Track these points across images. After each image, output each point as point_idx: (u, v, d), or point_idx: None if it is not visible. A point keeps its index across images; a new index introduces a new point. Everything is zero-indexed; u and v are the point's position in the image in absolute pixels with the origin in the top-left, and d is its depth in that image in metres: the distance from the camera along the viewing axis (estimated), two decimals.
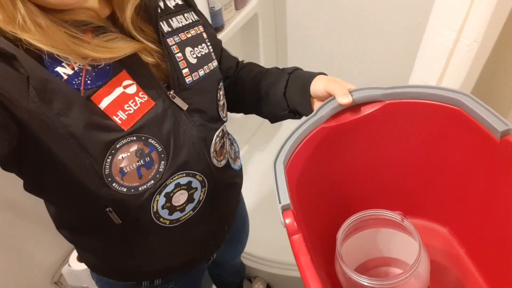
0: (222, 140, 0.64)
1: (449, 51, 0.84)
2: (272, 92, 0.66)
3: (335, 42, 1.58)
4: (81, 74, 0.44)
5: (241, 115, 1.55)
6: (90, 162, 0.46)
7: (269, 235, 1.47)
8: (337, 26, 1.53)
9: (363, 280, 0.47)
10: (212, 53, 0.61)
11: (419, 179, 0.60)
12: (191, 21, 0.59)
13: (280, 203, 0.43)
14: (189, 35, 0.57)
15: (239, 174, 0.74)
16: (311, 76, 0.62)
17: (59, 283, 1.01)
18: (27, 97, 0.40)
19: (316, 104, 0.61)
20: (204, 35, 0.60)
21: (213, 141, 0.60)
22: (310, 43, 1.67)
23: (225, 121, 0.64)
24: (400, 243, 0.54)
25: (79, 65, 0.44)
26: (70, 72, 0.43)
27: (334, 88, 0.54)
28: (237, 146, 0.77)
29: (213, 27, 1.08)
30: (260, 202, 1.66)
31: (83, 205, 0.53)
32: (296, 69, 0.66)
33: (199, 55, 0.58)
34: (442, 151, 0.55)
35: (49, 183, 0.50)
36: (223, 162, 0.64)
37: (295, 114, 0.66)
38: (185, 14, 0.58)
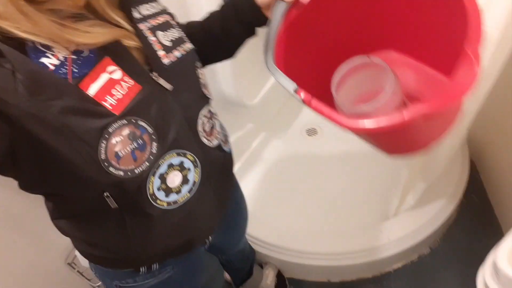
0: (211, 121, 0.66)
1: None
2: (224, 22, 0.70)
3: None
4: (66, 63, 0.44)
5: (258, 100, 1.56)
6: (85, 148, 0.46)
7: (281, 222, 1.48)
8: None
9: (361, 107, 0.60)
10: (184, 37, 0.63)
11: (371, 23, 0.70)
12: (157, 10, 0.61)
13: (291, 90, 0.55)
14: (158, 21, 0.59)
15: (230, 156, 0.76)
16: None
17: (73, 263, 1.06)
18: (15, 92, 0.40)
19: (265, 11, 0.66)
20: (172, 22, 0.62)
21: (199, 120, 0.62)
22: None
23: (211, 99, 0.66)
24: (380, 77, 0.66)
25: (64, 54, 0.45)
26: (56, 62, 0.44)
27: None
28: (226, 130, 0.79)
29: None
30: (275, 189, 1.66)
31: (81, 193, 0.54)
32: None
33: (172, 38, 0.59)
34: None
35: (47, 177, 0.51)
36: (215, 142, 0.66)
37: (250, 31, 0.71)
38: (151, 3, 0.60)
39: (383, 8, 0.68)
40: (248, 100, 1.49)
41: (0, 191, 0.87)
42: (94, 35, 0.46)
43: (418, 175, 1.29)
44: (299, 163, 1.76)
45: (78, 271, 1.09)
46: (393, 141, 0.60)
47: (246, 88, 1.47)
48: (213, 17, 0.73)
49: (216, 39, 0.72)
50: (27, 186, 0.52)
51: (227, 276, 1.28)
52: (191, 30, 0.73)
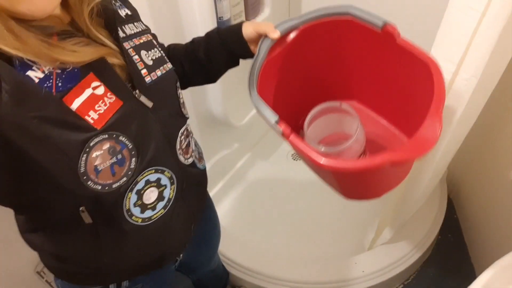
0: (188, 139, 0.68)
1: (447, 83, 0.83)
2: (209, 49, 0.73)
3: None
4: (51, 77, 0.45)
5: (245, 122, 1.58)
6: (65, 161, 0.47)
7: (257, 245, 1.48)
8: None
9: (321, 148, 0.65)
10: (165, 57, 0.65)
11: (341, 74, 0.77)
12: (141, 29, 0.62)
13: (272, 121, 0.57)
14: (141, 41, 0.61)
15: (204, 174, 0.77)
16: (238, 25, 0.72)
17: (42, 272, 1.03)
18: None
19: (249, 45, 0.71)
20: (154, 42, 0.64)
21: (178, 138, 0.64)
22: None
23: (188, 118, 0.69)
24: (347, 122, 0.72)
25: (49, 68, 0.45)
26: (41, 75, 0.44)
27: (263, 28, 0.66)
28: (200, 148, 0.81)
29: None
30: (255, 211, 1.66)
31: (56, 206, 0.54)
32: (218, 28, 0.75)
33: (154, 57, 0.61)
34: (351, 51, 0.71)
35: (23, 187, 0.50)
36: (190, 160, 0.68)
37: (233, 61, 0.76)
38: (135, 23, 0.62)
39: (350, 62, 0.74)
40: (236, 121, 1.50)
41: None
42: (80, 54, 0.47)
43: (395, 211, 1.31)
44: (282, 187, 1.76)
45: (46, 281, 1.07)
46: (356, 184, 0.63)
47: (234, 109, 1.49)
48: (198, 43, 0.75)
49: (199, 64, 0.75)
50: (1, 197, 0.51)
51: None
52: (174, 52, 0.75)
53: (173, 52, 0.76)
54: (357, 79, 0.76)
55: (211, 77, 0.80)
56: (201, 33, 1.09)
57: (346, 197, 0.67)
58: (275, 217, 1.64)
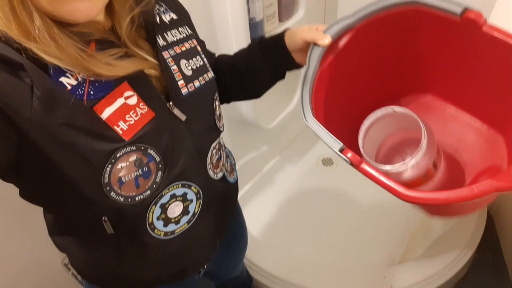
0: (219, 152, 0.65)
1: None
2: (251, 62, 0.69)
3: None
4: (84, 84, 0.45)
5: (275, 124, 1.55)
6: (90, 170, 0.47)
7: (283, 252, 1.45)
8: None
9: (385, 168, 0.57)
10: (207, 65, 0.62)
11: (410, 70, 0.69)
12: (185, 35, 0.60)
13: (336, 150, 0.50)
14: (183, 48, 0.58)
15: (234, 187, 0.75)
16: (280, 36, 0.66)
17: (69, 265, 1.05)
18: (30, 106, 0.41)
19: (295, 55, 0.65)
20: (198, 48, 0.62)
21: (210, 152, 0.61)
22: None
23: (222, 131, 0.66)
24: (407, 123, 0.62)
25: (83, 76, 0.45)
26: (74, 82, 0.44)
27: (311, 36, 0.59)
28: (233, 159, 0.78)
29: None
30: (282, 216, 1.63)
31: (79, 213, 0.54)
32: (260, 39, 0.69)
33: (194, 67, 0.59)
34: (423, 45, 0.63)
35: (47, 191, 0.51)
36: (220, 175, 0.65)
37: (279, 75, 0.70)
38: (179, 29, 0.60)
39: (424, 56, 0.64)
40: (265, 123, 1.48)
41: (4, 185, 0.88)
42: (115, 68, 0.46)
43: (430, 224, 1.24)
44: (310, 192, 1.72)
45: (72, 274, 1.09)
46: (447, 210, 0.56)
47: (265, 111, 1.47)
48: (240, 54, 0.71)
49: (241, 78, 0.71)
50: (27, 196, 0.52)
51: None
52: (220, 63, 0.72)
53: (219, 63, 0.72)
54: (433, 73, 0.67)
55: (255, 93, 0.75)
56: (233, 34, 1.08)
57: (430, 215, 0.61)
58: (301, 223, 1.60)
